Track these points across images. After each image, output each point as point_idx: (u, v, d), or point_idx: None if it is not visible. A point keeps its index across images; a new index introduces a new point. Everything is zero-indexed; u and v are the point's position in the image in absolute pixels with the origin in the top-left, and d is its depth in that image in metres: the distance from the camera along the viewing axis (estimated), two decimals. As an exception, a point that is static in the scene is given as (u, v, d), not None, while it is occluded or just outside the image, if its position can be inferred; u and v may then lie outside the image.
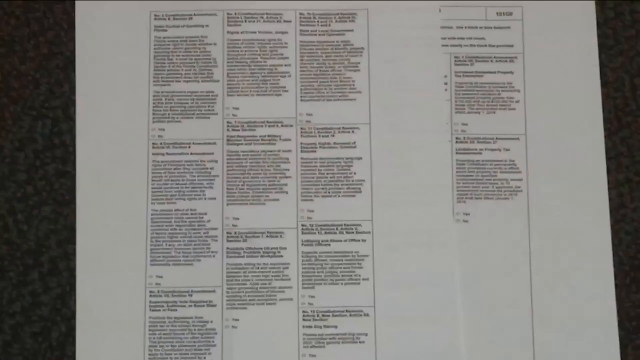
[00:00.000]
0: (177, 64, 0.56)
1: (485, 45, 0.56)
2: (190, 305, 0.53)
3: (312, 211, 0.54)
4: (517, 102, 0.56)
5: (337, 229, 0.54)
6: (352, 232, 0.54)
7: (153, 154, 0.55)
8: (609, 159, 0.55)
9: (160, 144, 0.55)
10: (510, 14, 0.56)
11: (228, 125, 0.55)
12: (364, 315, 0.53)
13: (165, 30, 0.56)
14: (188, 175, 0.55)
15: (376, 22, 0.56)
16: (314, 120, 0.55)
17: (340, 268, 0.54)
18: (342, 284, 0.54)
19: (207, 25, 0.56)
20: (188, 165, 0.55)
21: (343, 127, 0.55)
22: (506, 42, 0.56)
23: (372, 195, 0.55)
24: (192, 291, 0.54)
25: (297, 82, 0.56)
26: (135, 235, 0.54)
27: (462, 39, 0.56)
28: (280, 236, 0.54)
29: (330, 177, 0.55)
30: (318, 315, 0.53)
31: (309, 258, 0.54)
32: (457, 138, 0.55)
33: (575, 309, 0.53)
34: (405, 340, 0.53)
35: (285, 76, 0.56)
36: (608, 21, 0.56)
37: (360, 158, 0.55)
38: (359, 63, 0.56)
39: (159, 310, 0.53)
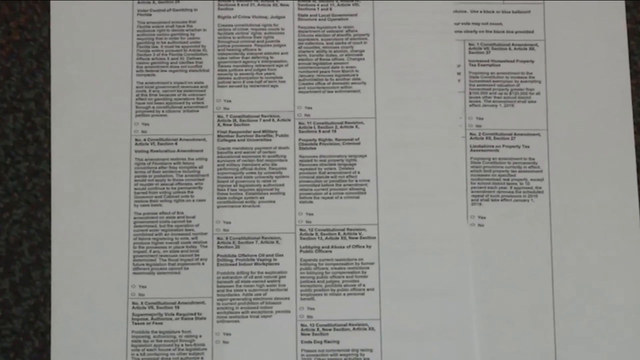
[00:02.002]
0: (162, 52, 0.55)
1: (503, 32, 0.56)
2: (177, 318, 0.53)
3: (312, 214, 0.54)
4: (538, 94, 0.55)
5: (339, 234, 0.53)
6: (356, 238, 0.53)
7: (136, 151, 0.54)
8: (639, 156, 0.54)
9: (144, 140, 0.54)
10: (531, -4, 0.56)
11: (219, 120, 0.54)
12: (369, 329, 0.53)
13: (150, 15, 0.55)
14: (175, 175, 0.54)
15: (382, 6, 0.55)
16: (313, 114, 0.55)
17: (343, 277, 0.53)
18: (344, 294, 0.53)
19: (195, 9, 0.55)
20: (175, 163, 0.54)
21: (346, 122, 0.54)
22: (526, 27, 0.56)
23: (377, 197, 0.54)
24: (179, 302, 0.53)
25: (295, 72, 0.55)
26: (117, 241, 0.53)
27: (477, 24, 0.56)
28: (277, 242, 0.53)
29: (332, 177, 0.54)
30: (318, 330, 0.53)
31: (308, 266, 0.53)
32: (471, 134, 0.54)
33: (601, 322, 0.53)
34: (414, 357, 0.52)
35: (282, 65, 0.55)
36: (638, 5, 0.56)
37: (365, 156, 0.54)
38: (363, 51, 0.55)
39: (143, 323, 0.53)
